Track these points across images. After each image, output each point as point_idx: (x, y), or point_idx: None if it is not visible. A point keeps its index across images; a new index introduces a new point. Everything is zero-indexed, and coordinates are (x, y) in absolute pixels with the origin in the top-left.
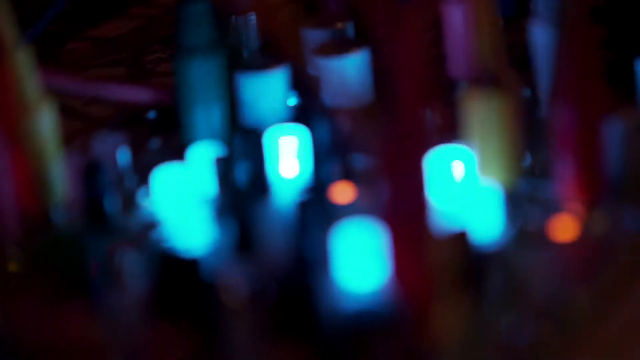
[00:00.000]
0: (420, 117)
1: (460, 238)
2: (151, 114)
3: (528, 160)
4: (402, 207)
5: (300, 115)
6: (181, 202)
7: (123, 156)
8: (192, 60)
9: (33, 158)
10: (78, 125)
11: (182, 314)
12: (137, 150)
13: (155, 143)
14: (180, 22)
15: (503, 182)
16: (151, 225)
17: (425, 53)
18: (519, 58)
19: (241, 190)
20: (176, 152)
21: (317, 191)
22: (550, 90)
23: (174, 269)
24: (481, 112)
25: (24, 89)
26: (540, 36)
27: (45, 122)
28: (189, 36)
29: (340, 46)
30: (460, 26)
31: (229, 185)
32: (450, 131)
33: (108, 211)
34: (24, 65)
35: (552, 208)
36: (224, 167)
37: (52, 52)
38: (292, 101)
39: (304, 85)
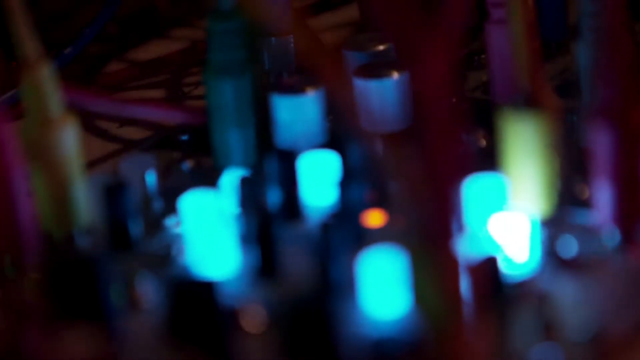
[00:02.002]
0: (449, 145)
1: (490, 265)
2: (184, 137)
3: (568, 187)
4: (431, 234)
5: (334, 139)
6: (208, 226)
7: (151, 178)
8: (220, 78)
9: (54, 177)
10: (111, 147)
11: (198, 339)
12: (168, 172)
13: (186, 166)
14: (211, 39)
15: (539, 209)
16: (175, 249)
17: (454, 78)
18: (569, 82)
19: (269, 213)
20: (207, 175)
21: (346, 216)
22: (590, 111)
23: (191, 294)
24: (515, 134)
25: (46, 106)
26: (584, 57)
27: (68, 140)
28: (219, 54)
29: (379, 69)
30: (499, 47)
31: (254, 208)
32: (491, 157)
33: (132, 235)
34: (47, 82)
35: (590, 236)
36: (249, 189)
37: (91, 73)
38: (327, 125)
39: (341, 108)
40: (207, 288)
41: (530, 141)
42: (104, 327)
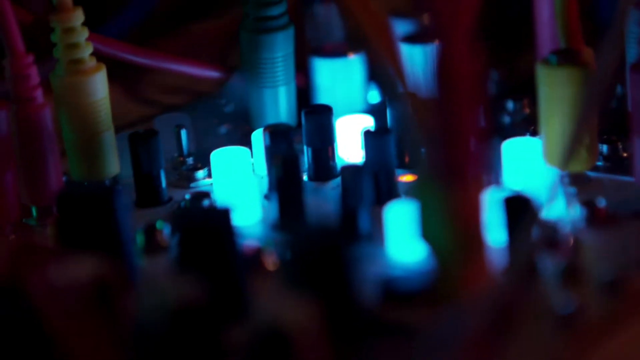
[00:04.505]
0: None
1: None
2: (228, 107)
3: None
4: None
5: (374, 102)
6: (237, 182)
7: (185, 137)
8: (257, 36)
9: (83, 124)
10: (150, 111)
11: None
12: (205, 134)
13: (223, 129)
14: None
15: (574, 164)
16: (202, 199)
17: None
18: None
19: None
20: (243, 138)
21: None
22: (632, 64)
23: (205, 219)
24: (549, 89)
25: (77, 52)
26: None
27: (97, 87)
28: (254, 10)
29: (424, 37)
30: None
31: (281, 161)
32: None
33: (158, 185)
34: (78, 28)
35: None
36: (277, 143)
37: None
38: (370, 89)
39: (389, 72)
40: (221, 214)
41: (563, 97)
42: (116, 257)
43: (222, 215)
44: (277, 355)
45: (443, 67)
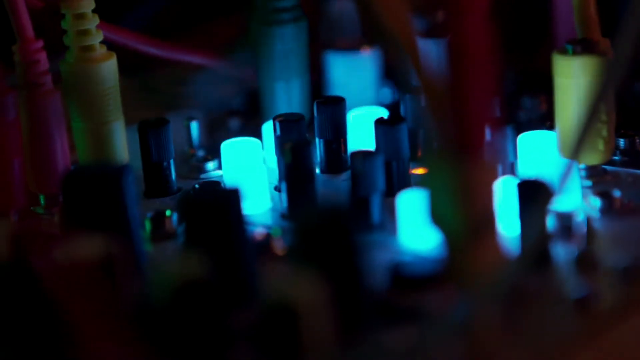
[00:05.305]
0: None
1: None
2: (236, 102)
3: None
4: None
5: (386, 95)
6: (247, 173)
7: (196, 129)
8: (269, 28)
9: (92, 112)
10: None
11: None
12: (216, 128)
13: (234, 123)
14: None
15: (591, 157)
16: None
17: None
18: None
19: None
20: (253, 131)
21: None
22: None
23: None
24: (563, 78)
25: (86, 38)
26: None
27: (106, 74)
28: (266, 2)
29: (436, 33)
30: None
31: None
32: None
33: (167, 175)
34: (88, 14)
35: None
36: (286, 133)
37: None
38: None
39: (409, 63)
40: (229, 192)
41: (578, 86)
42: (122, 237)
43: (231, 194)
44: (284, 332)
45: (458, 51)
